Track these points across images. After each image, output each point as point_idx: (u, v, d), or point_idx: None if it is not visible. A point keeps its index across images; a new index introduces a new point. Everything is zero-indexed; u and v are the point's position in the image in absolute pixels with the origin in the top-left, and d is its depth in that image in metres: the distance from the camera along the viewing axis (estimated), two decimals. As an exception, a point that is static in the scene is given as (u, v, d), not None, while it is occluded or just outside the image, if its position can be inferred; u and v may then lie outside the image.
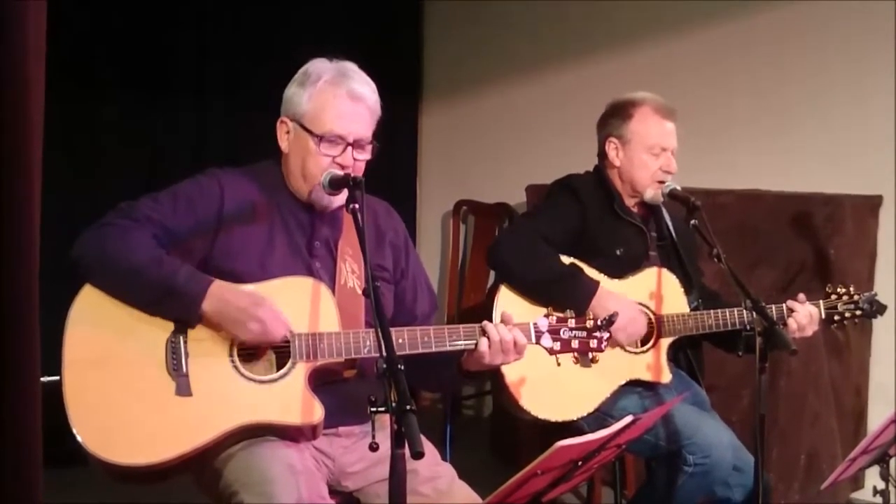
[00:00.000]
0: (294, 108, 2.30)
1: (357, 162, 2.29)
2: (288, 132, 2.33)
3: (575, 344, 2.31)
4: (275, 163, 2.39)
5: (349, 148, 2.27)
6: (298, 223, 2.34)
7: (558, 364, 2.36)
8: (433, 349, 2.23)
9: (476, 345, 2.24)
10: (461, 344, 2.25)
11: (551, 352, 2.31)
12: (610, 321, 2.32)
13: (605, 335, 2.32)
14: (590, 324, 2.32)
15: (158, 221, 2.23)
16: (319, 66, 2.32)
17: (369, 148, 2.31)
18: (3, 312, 2.03)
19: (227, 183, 2.31)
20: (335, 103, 2.27)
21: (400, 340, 2.19)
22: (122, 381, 2.14)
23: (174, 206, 2.26)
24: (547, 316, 2.32)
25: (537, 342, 2.30)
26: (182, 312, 2.16)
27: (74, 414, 2.11)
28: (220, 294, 2.15)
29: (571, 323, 2.31)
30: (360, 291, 2.30)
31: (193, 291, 2.14)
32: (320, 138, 2.26)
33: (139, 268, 2.15)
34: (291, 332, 2.20)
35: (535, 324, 2.31)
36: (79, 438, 2.09)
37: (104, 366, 2.15)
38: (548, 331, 2.31)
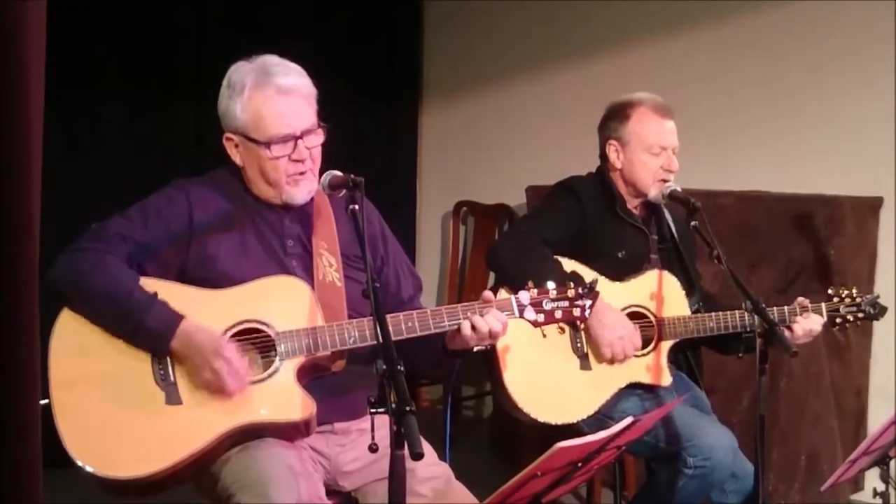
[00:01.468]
0: (233, 122, 2.29)
1: (312, 150, 2.29)
2: (237, 146, 2.31)
3: (558, 314, 2.29)
4: (231, 169, 2.37)
5: (299, 141, 2.26)
6: (268, 224, 2.34)
7: (544, 336, 2.33)
8: (418, 333, 2.22)
9: (460, 329, 2.23)
10: (446, 324, 2.24)
11: (535, 324, 2.29)
12: (591, 288, 2.31)
13: (588, 302, 2.30)
14: (571, 293, 2.30)
15: (131, 239, 2.23)
16: (240, 72, 2.29)
17: (319, 132, 2.30)
18: (3, 312, 2.03)
19: (194, 192, 2.32)
20: (268, 106, 2.25)
21: None
22: (112, 397, 2.14)
23: (145, 221, 2.26)
24: (527, 289, 2.30)
25: (521, 316, 2.29)
26: (152, 348, 2.17)
27: (67, 434, 2.10)
28: (186, 335, 2.15)
29: (553, 293, 2.29)
30: (339, 284, 2.31)
31: (162, 330, 2.14)
32: (268, 144, 2.25)
33: (111, 299, 2.15)
34: (277, 331, 2.20)
35: (516, 298, 2.29)
36: (78, 463, 2.09)
37: (92, 383, 2.14)
38: (530, 303, 2.29)
